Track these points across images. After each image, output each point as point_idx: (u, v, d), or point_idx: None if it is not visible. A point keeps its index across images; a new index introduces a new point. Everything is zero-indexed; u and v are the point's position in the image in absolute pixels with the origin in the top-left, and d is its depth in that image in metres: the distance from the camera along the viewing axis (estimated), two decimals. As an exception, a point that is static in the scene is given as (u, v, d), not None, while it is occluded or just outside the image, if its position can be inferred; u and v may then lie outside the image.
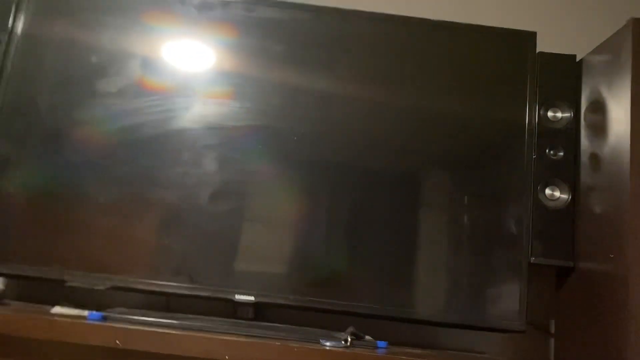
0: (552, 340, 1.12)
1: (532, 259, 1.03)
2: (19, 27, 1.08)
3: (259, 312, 1.03)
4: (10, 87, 1.06)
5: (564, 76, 1.10)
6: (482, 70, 1.12)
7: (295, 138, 1.07)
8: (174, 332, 0.85)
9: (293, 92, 1.09)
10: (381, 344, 0.95)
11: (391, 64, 1.11)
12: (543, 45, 1.11)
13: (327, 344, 0.89)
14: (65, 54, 1.08)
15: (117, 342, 0.83)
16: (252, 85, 1.09)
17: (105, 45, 1.09)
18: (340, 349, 0.88)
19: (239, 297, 1.00)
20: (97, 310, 0.97)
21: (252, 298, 1.00)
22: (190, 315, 0.99)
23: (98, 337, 0.84)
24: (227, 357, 0.83)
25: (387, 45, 1.12)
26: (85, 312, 0.93)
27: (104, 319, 0.90)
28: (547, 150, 1.07)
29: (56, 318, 0.85)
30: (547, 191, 1.06)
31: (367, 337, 0.95)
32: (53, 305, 0.97)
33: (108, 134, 1.06)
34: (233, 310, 1.02)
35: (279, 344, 0.85)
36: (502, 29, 1.13)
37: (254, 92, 1.09)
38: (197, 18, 1.11)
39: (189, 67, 1.09)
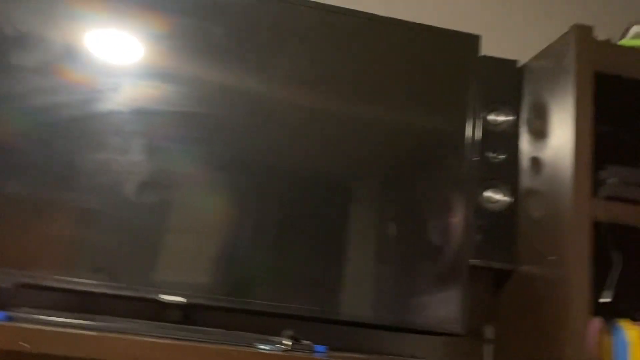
0: (490, 346, 1.11)
1: (472, 260, 1.02)
2: None
3: (187, 315, 0.95)
4: None
5: (505, 80, 1.11)
6: (423, 72, 1.10)
7: (231, 126, 1.00)
8: (92, 333, 0.75)
9: (229, 78, 1.02)
10: (320, 348, 0.89)
11: (326, 60, 1.07)
12: (486, 49, 1.11)
13: (266, 347, 0.83)
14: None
15: (23, 344, 0.72)
16: (187, 69, 1.01)
17: (28, 17, 0.97)
18: (279, 353, 0.82)
19: (165, 298, 0.91)
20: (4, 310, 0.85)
21: (181, 299, 0.91)
22: (110, 317, 0.89)
23: (1, 338, 0.73)
24: (153, 362, 0.74)
25: (324, 38, 1.07)
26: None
27: (9, 319, 0.78)
28: (488, 153, 1.07)
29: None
30: (488, 193, 1.06)
31: (304, 341, 0.89)
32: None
33: (24, 114, 0.94)
34: (159, 312, 0.93)
35: (215, 347, 0.77)
36: (445, 29, 1.12)
37: (188, 76, 1.01)
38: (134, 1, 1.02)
39: (119, 47, 1.00)
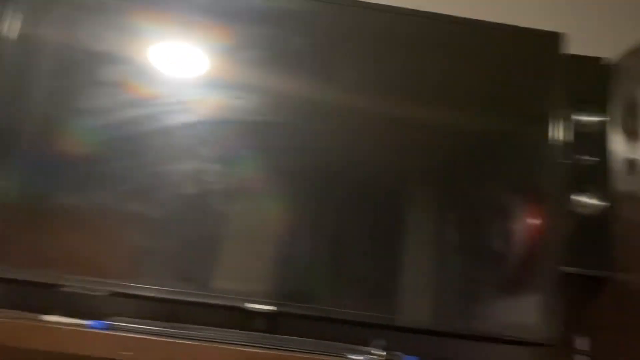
0: (583, 358, 1.05)
1: (564, 268, 0.97)
2: (9, 13, 0.99)
3: (272, 324, 0.95)
4: (2, 75, 0.96)
5: (592, 79, 1.06)
6: (503, 73, 1.07)
7: (315, 134, 1.00)
8: (188, 342, 0.76)
9: (310, 86, 1.02)
10: (411, 359, 0.87)
11: (400, 65, 1.04)
12: (571, 47, 1.07)
13: (354, 358, 0.81)
14: (65, 38, 0.99)
15: (124, 353, 0.74)
16: (269, 78, 1.01)
17: (110, 28, 1.00)
18: (370, 363, 0.80)
19: (253, 307, 0.91)
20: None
21: (269, 307, 0.91)
22: (199, 326, 0.90)
23: (103, 347, 0.74)
24: (247, 371, 0.74)
25: (397, 42, 1.05)
26: (84, 322, 0.84)
27: (108, 327, 0.80)
28: (578, 156, 1.02)
29: (55, 326, 0.76)
30: (580, 198, 1.01)
31: (396, 353, 0.87)
32: (46, 314, 0.87)
33: (111, 126, 0.97)
34: (244, 321, 0.94)
35: (307, 357, 0.77)
36: (527, 28, 1.08)
37: (270, 85, 1.01)
38: (209, 8, 1.04)
39: (201, 58, 1.01)
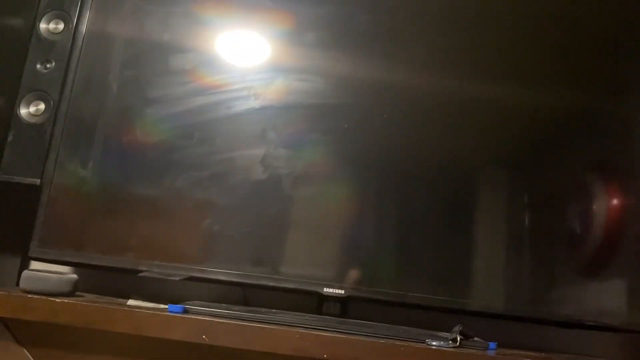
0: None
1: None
2: (90, 3, 1.01)
3: (345, 307, 0.93)
4: (82, 65, 0.98)
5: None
6: (579, 51, 0.99)
7: (385, 116, 0.97)
8: (263, 325, 0.76)
9: (377, 66, 0.99)
10: (491, 344, 0.84)
11: (474, 41, 1.00)
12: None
13: (434, 343, 0.79)
14: (137, 29, 1.00)
15: (204, 337, 0.74)
16: (335, 59, 0.99)
17: (178, 17, 1.01)
18: (449, 349, 0.77)
19: (327, 290, 0.90)
20: (171, 304, 0.89)
21: (342, 292, 0.90)
22: (274, 310, 0.90)
23: (182, 331, 0.75)
24: (325, 355, 0.73)
25: (471, 17, 1.01)
26: (161, 306, 0.86)
27: (185, 311, 0.81)
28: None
29: (135, 310, 0.78)
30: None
31: (476, 338, 0.84)
32: (126, 298, 0.90)
33: (184, 114, 0.98)
34: (317, 306, 0.93)
35: (384, 341, 0.75)
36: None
37: (337, 66, 0.99)
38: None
39: (267, 41, 1.00)
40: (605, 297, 0.91)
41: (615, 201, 0.94)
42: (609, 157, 0.96)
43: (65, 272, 0.87)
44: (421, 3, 1.01)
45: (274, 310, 0.90)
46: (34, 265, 1.02)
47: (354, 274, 0.92)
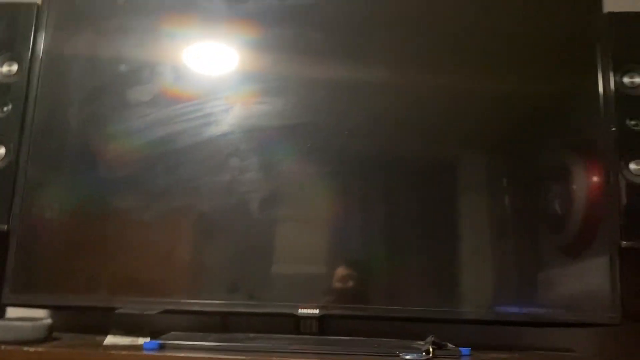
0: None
1: (623, 242, 0.92)
2: (41, 43, 1.01)
3: (322, 324, 0.94)
4: (39, 106, 0.99)
5: (638, 37, 0.99)
6: (544, 37, 1.01)
7: (346, 132, 0.98)
8: (238, 357, 0.77)
9: (336, 82, 1.00)
10: (464, 351, 0.85)
11: (440, 42, 1.01)
12: (610, 5, 1.00)
13: (407, 357, 0.80)
14: (92, 63, 1.01)
15: (179, 373, 0.75)
16: (293, 79, 1.00)
17: (133, 52, 1.01)
18: (423, 361, 0.79)
19: (302, 311, 0.91)
20: (151, 335, 0.90)
21: (316, 311, 0.91)
22: (251, 335, 0.91)
23: (157, 369, 0.76)
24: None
25: (436, 22, 1.02)
26: (140, 340, 0.87)
27: (161, 347, 0.82)
28: (627, 121, 0.96)
29: (111, 352, 0.78)
30: (632, 166, 0.95)
31: (449, 345, 0.86)
32: (105, 333, 0.91)
33: (146, 146, 0.98)
34: (294, 325, 0.94)
35: (357, 358, 0.76)
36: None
37: (295, 86, 1.00)
38: (227, 14, 1.03)
39: (224, 68, 1.01)
40: (585, 293, 0.92)
41: (585, 194, 0.96)
42: (574, 147, 0.98)
43: (40, 318, 0.87)
44: (373, 15, 1.02)
45: (251, 335, 0.91)
46: (10, 311, 1.01)
47: (330, 292, 0.93)
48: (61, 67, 1.01)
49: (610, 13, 0.99)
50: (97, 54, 1.01)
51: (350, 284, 0.93)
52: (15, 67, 0.99)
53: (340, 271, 0.94)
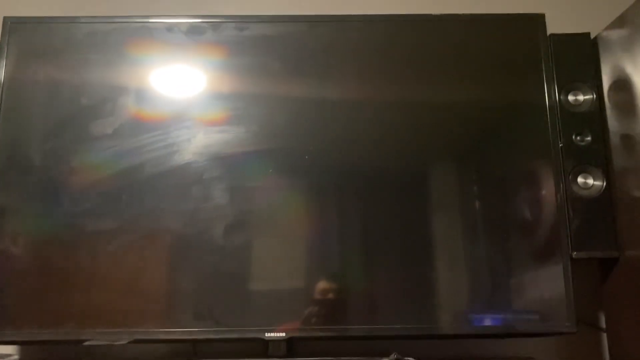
0: (605, 336, 1.05)
1: (574, 253, 0.97)
2: (1, 77, 1.01)
3: (291, 346, 0.96)
4: (1, 141, 0.99)
5: (580, 56, 1.04)
6: (493, 60, 1.06)
7: (306, 157, 1.01)
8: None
9: (296, 108, 1.03)
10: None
11: (395, 60, 1.05)
12: (553, 27, 1.05)
13: (372, 375, 0.83)
14: (53, 97, 1.02)
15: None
16: (254, 107, 1.02)
17: (94, 83, 1.03)
18: (387, 380, 0.81)
19: (269, 335, 0.93)
20: (121, 366, 0.91)
21: (283, 334, 0.93)
22: (220, 360, 0.93)
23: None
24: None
25: (389, 45, 1.06)
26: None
27: (131, 379, 0.83)
28: (573, 136, 1.01)
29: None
30: (580, 179, 1.00)
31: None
32: (74, 367, 0.91)
33: (109, 178, 0.99)
34: (263, 348, 0.96)
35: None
36: (508, 14, 1.07)
37: (256, 113, 1.02)
38: (187, 44, 1.05)
39: (185, 96, 1.03)
40: (541, 304, 0.96)
41: (535, 208, 1.00)
42: (522, 164, 1.02)
43: (8, 354, 0.87)
44: (332, 39, 1.06)
45: (220, 360, 0.93)
46: (-23, 348, 1.01)
47: (295, 314, 0.95)
48: (22, 102, 1.02)
49: (552, 35, 1.04)
50: (58, 87, 1.02)
51: (313, 307, 0.95)
52: (-25, 105, 0.99)
53: (325, 291, 0.95)
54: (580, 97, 1.03)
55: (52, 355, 1.01)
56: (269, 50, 1.05)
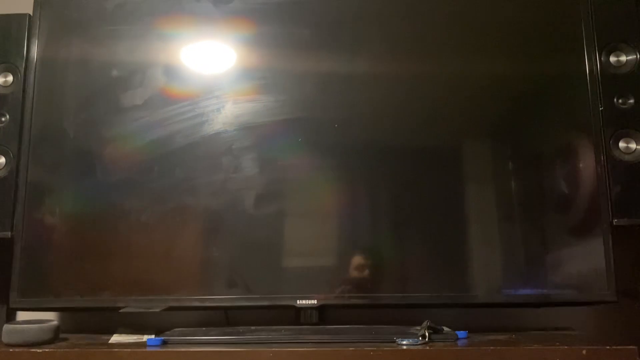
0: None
1: (615, 220, 0.93)
2: (35, 52, 1.03)
3: (322, 314, 0.96)
4: (36, 115, 1.01)
5: (622, 15, 0.99)
6: (530, 24, 1.02)
7: (336, 125, 0.99)
8: (238, 349, 0.79)
9: (326, 78, 1.01)
10: (461, 334, 0.87)
11: (427, 30, 1.03)
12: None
13: (404, 342, 0.82)
14: (85, 69, 1.03)
15: (181, 367, 0.78)
16: (283, 76, 1.01)
17: (125, 57, 1.03)
18: (418, 347, 0.81)
19: (301, 303, 0.93)
20: (156, 332, 0.92)
21: (314, 302, 0.93)
22: (252, 327, 0.93)
23: (161, 364, 0.79)
24: (299, 370, 0.77)
25: (423, 10, 1.03)
26: (144, 338, 0.89)
27: (164, 343, 0.85)
28: (615, 99, 0.97)
29: (115, 349, 0.81)
30: (622, 144, 0.96)
31: (445, 329, 0.88)
32: (111, 333, 0.93)
33: (142, 149, 1.00)
34: (295, 316, 0.96)
35: (353, 349, 0.78)
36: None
37: (285, 83, 1.01)
38: (214, 14, 1.04)
39: (214, 68, 1.02)
40: (581, 273, 0.93)
41: (586, 176, 0.96)
42: (564, 128, 0.98)
43: (48, 320, 0.90)
44: (362, 7, 1.03)
45: (253, 327, 0.94)
46: (20, 315, 1.05)
47: (326, 282, 0.95)
48: (55, 75, 1.03)
49: (591, -5, 1.00)
50: (89, 60, 1.03)
51: (345, 274, 0.95)
52: (10, 78, 1.01)
53: (357, 260, 0.95)
54: (623, 58, 0.98)
55: (89, 322, 1.04)
56: (298, 17, 1.03)
